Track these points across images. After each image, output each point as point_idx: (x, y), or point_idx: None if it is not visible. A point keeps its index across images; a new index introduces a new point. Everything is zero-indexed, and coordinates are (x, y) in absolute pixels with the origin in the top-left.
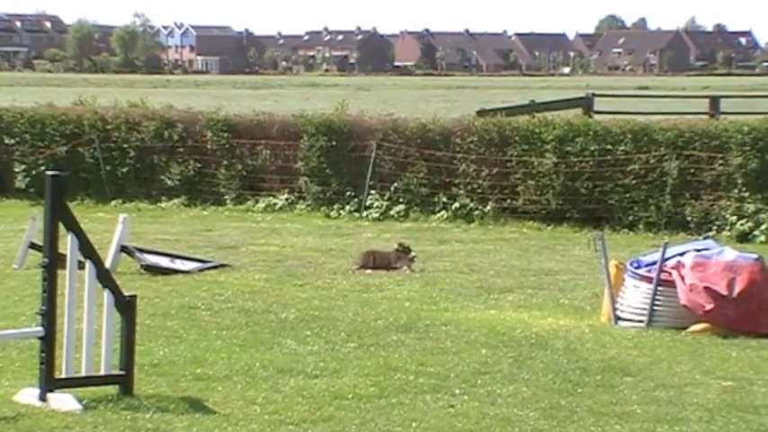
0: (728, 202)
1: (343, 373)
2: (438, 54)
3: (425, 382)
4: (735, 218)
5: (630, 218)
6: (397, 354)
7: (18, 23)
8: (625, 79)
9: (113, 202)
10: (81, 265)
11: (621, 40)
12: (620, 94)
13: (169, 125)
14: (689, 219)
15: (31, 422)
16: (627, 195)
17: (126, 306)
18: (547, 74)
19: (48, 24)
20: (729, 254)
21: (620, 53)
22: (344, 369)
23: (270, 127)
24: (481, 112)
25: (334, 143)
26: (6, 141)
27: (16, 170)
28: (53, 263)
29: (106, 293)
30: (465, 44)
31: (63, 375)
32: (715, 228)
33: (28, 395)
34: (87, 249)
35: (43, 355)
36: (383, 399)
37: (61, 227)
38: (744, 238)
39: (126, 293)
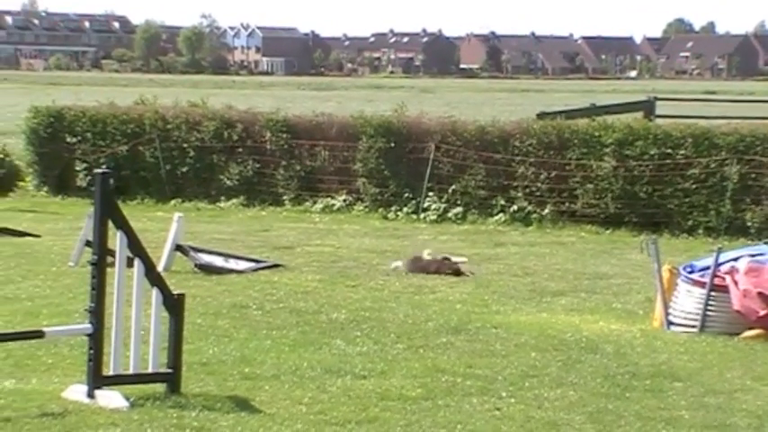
0: None
1: (391, 374)
2: (503, 57)
3: (472, 384)
4: None
5: (690, 223)
6: (446, 356)
7: (87, 23)
8: (692, 84)
9: (173, 202)
10: (131, 263)
11: (689, 44)
12: (682, 97)
13: (229, 125)
14: (749, 224)
15: (78, 419)
16: (686, 200)
17: (174, 304)
18: (613, 77)
19: (116, 25)
20: None
21: (687, 57)
22: (392, 370)
23: (329, 128)
24: (541, 115)
25: (392, 144)
26: (68, 140)
27: (77, 168)
28: (102, 260)
29: (155, 291)
30: (531, 47)
31: (111, 372)
32: None
33: (76, 392)
34: (136, 247)
35: (91, 351)
36: (429, 400)
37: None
38: None
39: (175, 292)
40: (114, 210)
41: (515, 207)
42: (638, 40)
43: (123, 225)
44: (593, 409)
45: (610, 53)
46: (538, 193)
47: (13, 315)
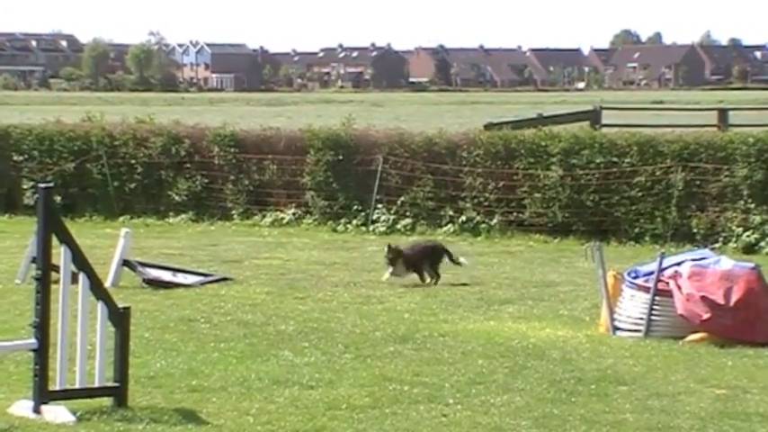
0: (734, 214)
1: (339, 383)
2: (453, 70)
3: (420, 392)
4: (741, 229)
5: (637, 230)
6: (393, 364)
7: (34, 42)
8: (639, 94)
9: (121, 218)
10: (77, 279)
11: (636, 55)
12: (627, 107)
13: (176, 141)
14: (695, 230)
15: None
16: (633, 207)
17: (120, 318)
18: (561, 89)
19: (63, 43)
20: (726, 263)
21: (635, 68)
22: (340, 380)
23: (277, 142)
24: (488, 126)
25: (340, 157)
26: (15, 158)
27: (24, 187)
28: (46, 275)
29: (100, 305)
30: (480, 60)
31: (57, 387)
32: (721, 239)
33: (22, 407)
34: (81, 262)
35: (37, 367)
36: (377, 409)
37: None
38: (750, 249)
39: (120, 305)
40: (58, 225)
41: (464, 217)
42: (585, 51)
43: (67, 240)
44: (539, 414)
45: (558, 65)
46: (486, 204)
47: None
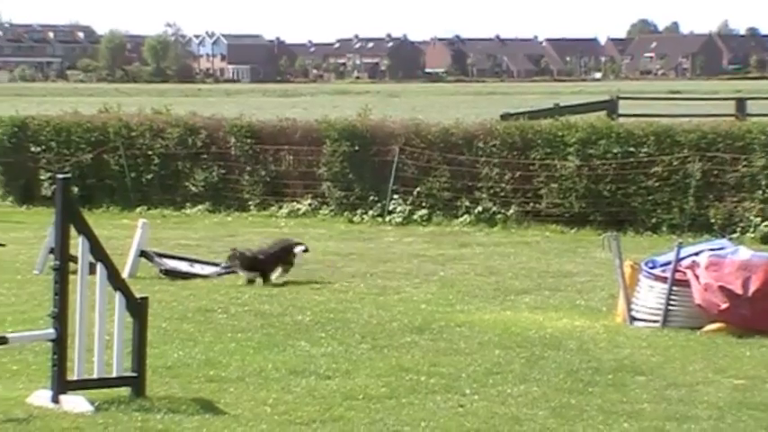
0: (752, 204)
1: (355, 374)
2: (469, 60)
3: (436, 382)
4: (759, 219)
5: (654, 220)
6: (410, 355)
7: (51, 34)
8: (656, 84)
9: (138, 209)
10: (94, 269)
11: (653, 45)
12: (644, 96)
13: (193, 132)
14: (712, 220)
15: (43, 424)
16: (650, 198)
17: (137, 308)
18: (578, 79)
19: (80, 35)
20: (744, 253)
21: (651, 57)
22: (356, 370)
23: (293, 133)
24: (504, 116)
25: (356, 148)
26: (33, 149)
27: (42, 178)
28: (64, 265)
29: (118, 295)
30: (496, 50)
31: (75, 377)
32: (739, 229)
33: (41, 397)
34: (98, 252)
35: (55, 357)
36: (393, 399)
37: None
38: None
39: (138, 296)
40: (76, 215)
41: (480, 208)
42: (602, 41)
43: (85, 230)
44: (556, 404)
45: (574, 55)
46: (502, 194)
47: None
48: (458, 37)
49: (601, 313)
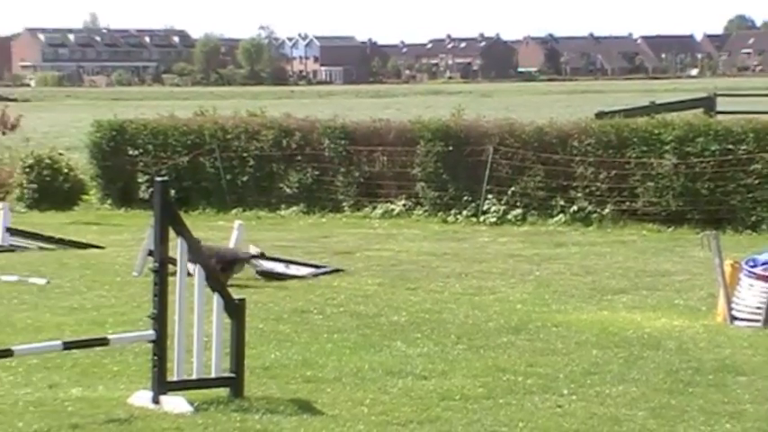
0: None
1: (452, 374)
2: (562, 59)
3: (534, 382)
4: None
5: (753, 218)
6: (507, 355)
7: (147, 39)
8: (754, 80)
9: (234, 211)
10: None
11: (751, 41)
12: (743, 93)
13: (287, 133)
14: None
15: (144, 424)
16: (749, 195)
17: (235, 309)
18: (674, 76)
19: (176, 39)
20: None
21: (749, 54)
22: (453, 370)
23: (387, 133)
24: (599, 115)
25: (450, 148)
26: (130, 153)
27: (140, 180)
28: (163, 267)
29: (216, 297)
30: (590, 48)
31: (175, 378)
32: None
33: (141, 398)
34: (196, 254)
35: (155, 358)
36: (491, 399)
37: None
38: None
39: (235, 297)
40: (174, 217)
41: (575, 207)
42: (698, 37)
43: (183, 231)
44: (655, 404)
45: (670, 52)
46: (598, 193)
47: (79, 324)
48: (551, 36)
49: (700, 313)
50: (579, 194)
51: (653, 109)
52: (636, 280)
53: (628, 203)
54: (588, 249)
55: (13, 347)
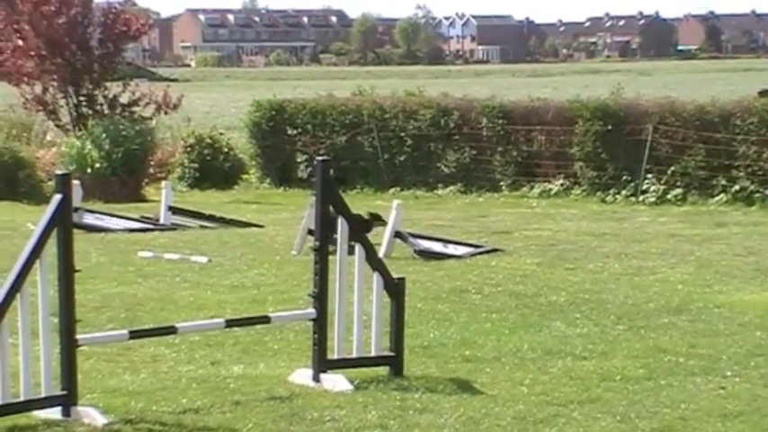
0: None
1: (612, 355)
2: (723, 36)
3: (696, 364)
4: None
5: None
6: (668, 336)
7: (305, 19)
8: None
9: (391, 190)
10: (352, 250)
11: None
12: None
13: (445, 113)
14: None
15: (304, 401)
16: None
17: (395, 288)
18: None
19: (333, 19)
20: None
21: None
22: (613, 351)
23: (545, 113)
24: (763, 93)
25: (609, 127)
26: (289, 132)
27: (298, 160)
28: (324, 246)
29: (375, 276)
30: (751, 25)
31: (335, 356)
32: None
33: (302, 376)
34: (356, 233)
35: (316, 336)
36: (652, 380)
37: None
38: None
39: (395, 276)
40: (335, 197)
41: (737, 187)
42: None
43: (343, 211)
44: None
45: None
46: (761, 173)
47: (240, 303)
48: (712, 13)
49: None
50: (741, 174)
51: None
52: None
53: None
54: (751, 230)
55: (177, 324)
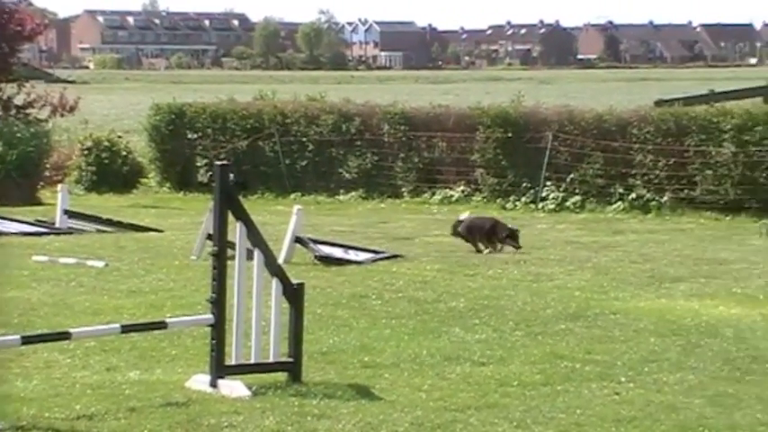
0: None
1: (510, 360)
2: (622, 46)
3: (591, 369)
4: None
5: None
6: (565, 342)
7: (207, 22)
8: None
9: (292, 195)
10: (251, 255)
11: None
12: None
13: (347, 119)
14: None
15: (201, 407)
16: None
17: (294, 294)
18: (733, 65)
19: (235, 22)
20: None
21: None
22: (511, 357)
23: (446, 119)
24: (659, 103)
25: (509, 135)
26: (189, 136)
27: (198, 164)
28: (222, 251)
29: (274, 282)
30: (649, 36)
31: (233, 362)
32: None
33: (199, 381)
34: (255, 238)
35: (213, 342)
36: (548, 386)
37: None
38: None
39: (294, 281)
40: (234, 202)
41: (634, 195)
42: (757, 26)
43: (242, 216)
44: (712, 392)
45: (729, 40)
46: (656, 181)
47: (138, 308)
48: (611, 23)
49: (758, 301)
50: (638, 182)
51: (712, 97)
52: (694, 268)
53: (686, 191)
54: (646, 237)
55: (71, 330)
